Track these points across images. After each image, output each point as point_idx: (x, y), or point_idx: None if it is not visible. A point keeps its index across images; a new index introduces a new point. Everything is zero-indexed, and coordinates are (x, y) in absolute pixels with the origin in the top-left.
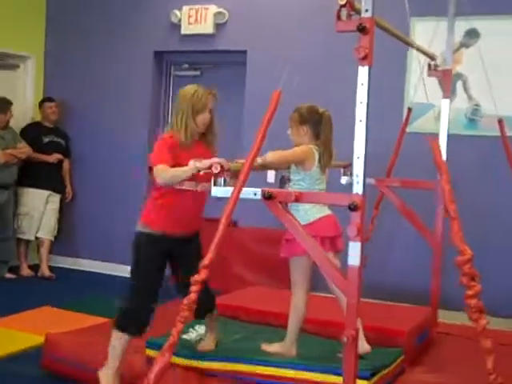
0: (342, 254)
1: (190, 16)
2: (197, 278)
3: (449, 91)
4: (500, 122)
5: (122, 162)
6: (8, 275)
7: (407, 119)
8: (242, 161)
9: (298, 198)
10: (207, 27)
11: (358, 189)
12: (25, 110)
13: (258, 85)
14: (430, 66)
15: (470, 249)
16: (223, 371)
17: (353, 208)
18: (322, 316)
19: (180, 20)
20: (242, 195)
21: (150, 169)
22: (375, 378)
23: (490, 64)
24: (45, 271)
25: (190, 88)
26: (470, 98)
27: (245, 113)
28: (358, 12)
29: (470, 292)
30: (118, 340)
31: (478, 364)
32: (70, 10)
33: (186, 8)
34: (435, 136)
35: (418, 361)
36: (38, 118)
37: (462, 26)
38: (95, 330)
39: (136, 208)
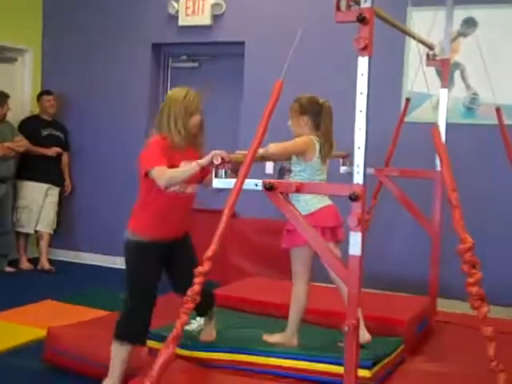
0: (342, 243)
1: (187, 7)
2: (200, 269)
3: (447, 81)
4: (498, 110)
5: (120, 155)
6: (8, 269)
7: (405, 109)
8: (243, 152)
9: (299, 189)
10: (205, 18)
11: (358, 179)
12: (23, 104)
13: (256, 76)
14: (428, 55)
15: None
16: (224, 362)
17: (353, 198)
18: (323, 306)
19: (177, 11)
20: (243, 186)
21: (146, 174)
22: (376, 368)
23: (487, 53)
24: (44, 264)
25: (179, 91)
26: (467, 87)
27: (243, 104)
28: (358, 2)
29: (471, 280)
30: (118, 349)
31: (478, 352)
32: (67, 3)
33: None
34: (436, 126)
35: (418, 350)
36: (37, 112)
37: (459, 14)
38: (96, 323)
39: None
